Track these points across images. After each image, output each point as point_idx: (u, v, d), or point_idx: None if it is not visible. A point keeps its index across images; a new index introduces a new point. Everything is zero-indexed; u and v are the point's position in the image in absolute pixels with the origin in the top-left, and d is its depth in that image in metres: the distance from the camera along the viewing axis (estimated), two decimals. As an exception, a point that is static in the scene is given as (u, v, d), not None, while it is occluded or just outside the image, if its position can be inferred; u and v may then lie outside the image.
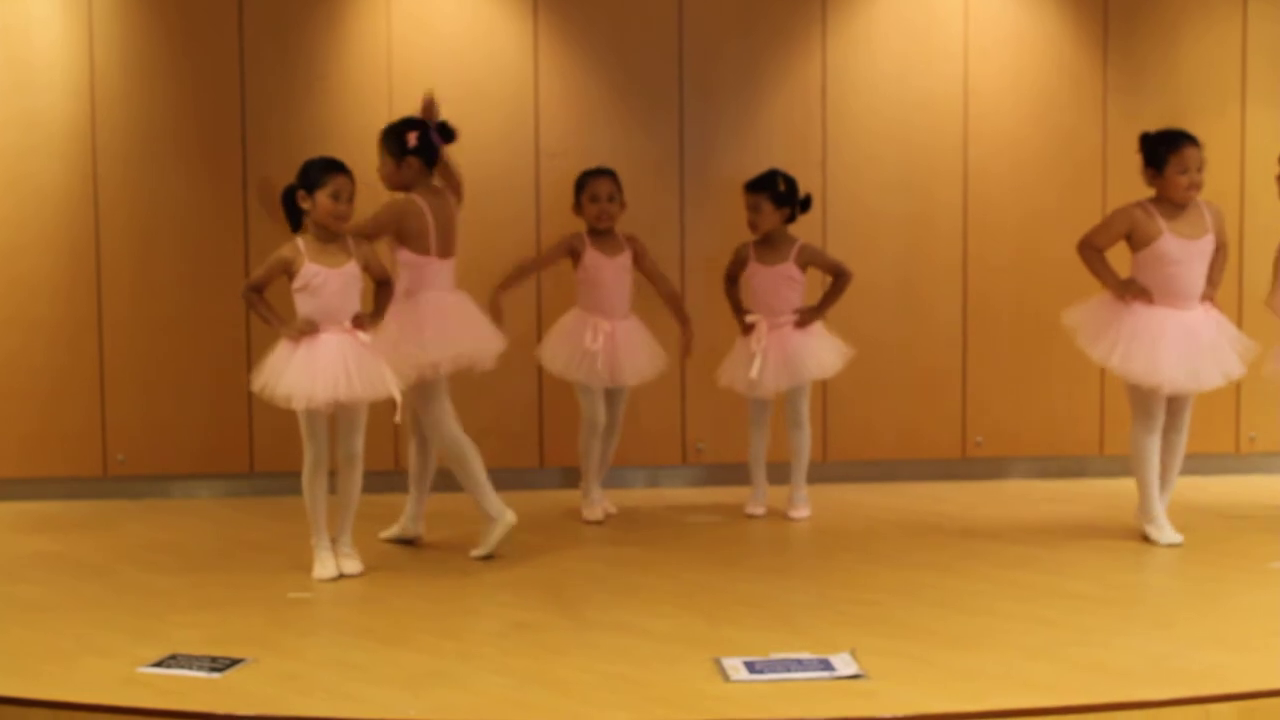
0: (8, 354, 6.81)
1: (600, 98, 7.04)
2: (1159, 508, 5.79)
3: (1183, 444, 5.85)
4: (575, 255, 6.34)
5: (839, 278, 6.42)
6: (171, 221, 6.81)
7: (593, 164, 6.44)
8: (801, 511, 6.43)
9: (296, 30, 6.91)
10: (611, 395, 6.42)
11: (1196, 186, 5.64)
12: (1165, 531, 5.75)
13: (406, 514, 5.92)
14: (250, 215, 6.86)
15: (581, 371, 6.26)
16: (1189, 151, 5.63)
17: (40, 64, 6.80)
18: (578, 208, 6.36)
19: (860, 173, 7.16)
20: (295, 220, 5.38)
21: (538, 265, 6.54)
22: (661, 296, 6.43)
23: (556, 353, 6.34)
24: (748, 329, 6.35)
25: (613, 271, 6.30)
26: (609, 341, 6.22)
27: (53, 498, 6.81)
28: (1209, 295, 5.73)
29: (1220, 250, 5.77)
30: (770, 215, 6.32)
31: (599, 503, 6.42)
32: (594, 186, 6.30)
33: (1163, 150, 5.66)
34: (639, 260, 6.40)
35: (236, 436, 6.92)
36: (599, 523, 6.34)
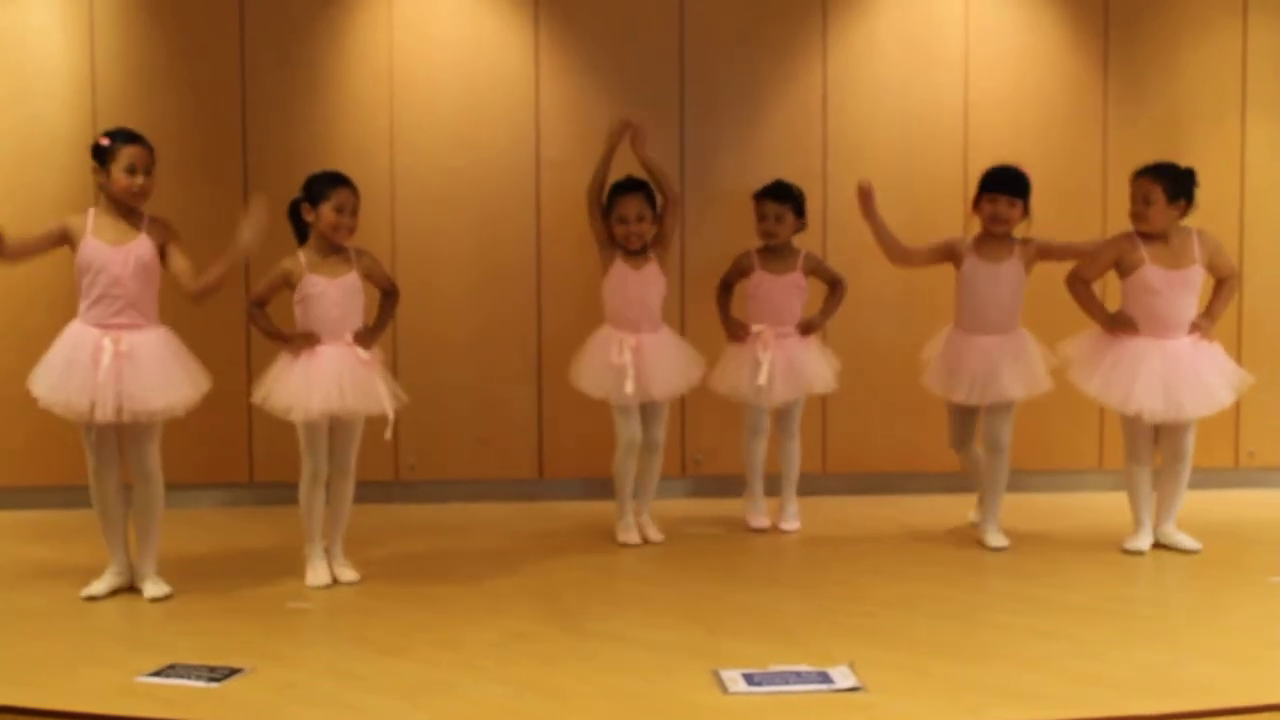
0: (5, 362, 6.79)
1: (601, 108, 7.04)
2: (1141, 526, 5.93)
3: (1182, 473, 5.89)
4: (605, 263, 6.16)
5: (836, 286, 6.44)
6: (171, 230, 6.81)
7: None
8: (794, 524, 6.44)
9: (297, 39, 6.92)
10: (648, 411, 6.23)
11: (1136, 217, 5.78)
12: (1139, 540, 5.89)
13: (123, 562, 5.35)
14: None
15: (609, 388, 6.10)
16: (1133, 184, 5.81)
17: (40, 72, 6.81)
18: (606, 220, 6.11)
19: (861, 183, 7.15)
20: (302, 233, 5.41)
21: (594, 227, 6.15)
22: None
23: (584, 370, 6.16)
24: (739, 336, 6.32)
25: (638, 285, 6.12)
26: (636, 356, 6.06)
27: (51, 506, 6.80)
28: (1200, 325, 5.77)
29: (1224, 282, 5.86)
30: (791, 225, 6.33)
31: (634, 527, 6.24)
32: (622, 207, 6.05)
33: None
34: (662, 236, 6.18)
35: (236, 446, 6.92)
36: (635, 546, 6.16)
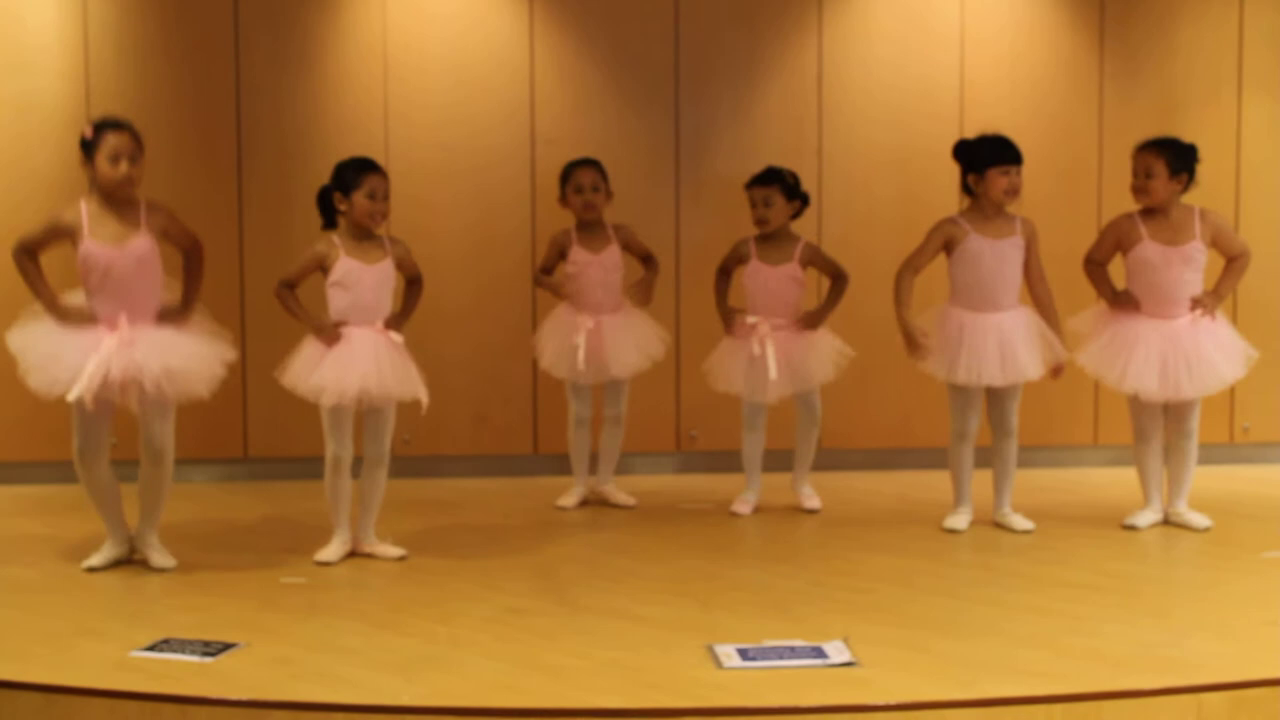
0: (1, 336, 6.78)
1: (596, 83, 7.02)
2: (1149, 503, 5.91)
3: (1190, 450, 5.86)
4: (563, 253, 6.31)
5: (837, 280, 6.28)
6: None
7: (589, 151, 6.43)
8: (815, 502, 6.35)
9: (291, 15, 6.88)
10: (609, 389, 6.37)
11: (1137, 191, 5.76)
12: (1142, 516, 5.89)
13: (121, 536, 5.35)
14: (244, 200, 6.84)
15: (564, 367, 6.25)
16: (1135, 158, 5.78)
17: (34, 46, 6.78)
18: (563, 199, 6.31)
19: (857, 159, 7.14)
20: (330, 219, 5.38)
21: (546, 272, 6.39)
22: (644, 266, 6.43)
23: (544, 347, 6.35)
24: (736, 327, 6.20)
25: (599, 268, 6.23)
26: (594, 337, 6.15)
27: (45, 481, 6.78)
28: (1201, 302, 5.74)
29: (1233, 261, 5.84)
30: (782, 209, 6.15)
31: (576, 495, 6.42)
32: (577, 177, 6.23)
33: None
34: (629, 246, 6.36)
35: (230, 421, 6.90)
36: (566, 509, 6.35)
